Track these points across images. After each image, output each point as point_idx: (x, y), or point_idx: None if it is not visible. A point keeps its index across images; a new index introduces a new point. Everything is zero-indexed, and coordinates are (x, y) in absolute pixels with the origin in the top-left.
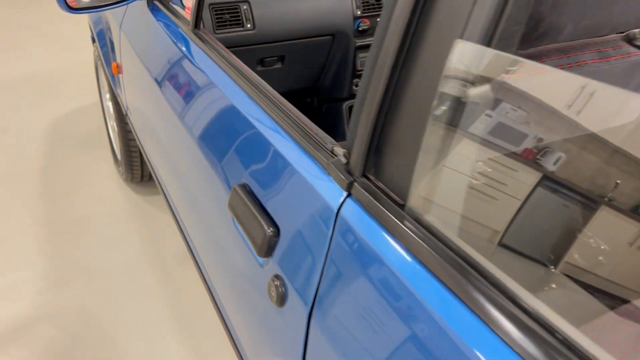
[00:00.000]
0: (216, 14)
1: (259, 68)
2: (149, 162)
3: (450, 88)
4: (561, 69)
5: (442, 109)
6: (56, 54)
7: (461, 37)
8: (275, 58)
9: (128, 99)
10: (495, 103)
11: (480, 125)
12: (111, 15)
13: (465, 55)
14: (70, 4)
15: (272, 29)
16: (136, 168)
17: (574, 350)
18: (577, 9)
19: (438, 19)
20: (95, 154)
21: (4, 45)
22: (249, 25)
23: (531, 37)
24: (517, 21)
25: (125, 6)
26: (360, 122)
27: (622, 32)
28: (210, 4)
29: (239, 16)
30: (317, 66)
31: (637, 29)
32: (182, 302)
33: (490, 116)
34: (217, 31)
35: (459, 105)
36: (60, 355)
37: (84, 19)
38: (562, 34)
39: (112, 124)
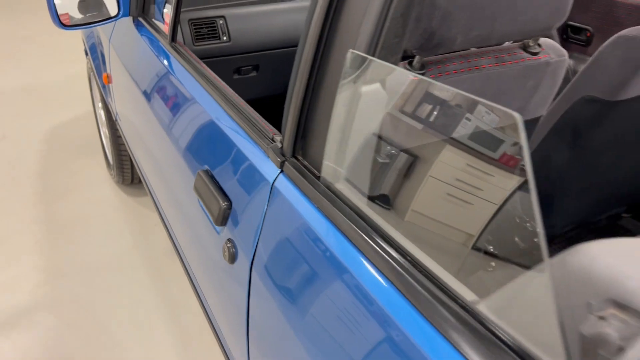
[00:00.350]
0: (195, 28)
1: (236, 76)
2: (137, 163)
3: (345, 87)
4: (462, 72)
5: (341, 103)
6: (53, 66)
7: (353, 47)
8: (250, 67)
9: (117, 106)
10: (375, 97)
11: (366, 113)
12: (102, 30)
13: (355, 62)
14: (64, 22)
15: (246, 41)
16: (127, 171)
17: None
18: (463, 24)
19: (339, 35)
20: (90, 159)
21: (4, 56)
22: (224, 38)
23: (429, 47)
24: (395, 34)
25: (114, 22)
26: (290, 115)
27: (509, 42)
28: (190, 20)
29: (215, 30)
30: (290, 74)
31: (523, 38)
32: (169, 291)
33: (372, 106)
34: (196, 44)
35: (352, 100)
36: (58, 340)
37: (78, 33)
38: (455, 44)
39: (105, 130)
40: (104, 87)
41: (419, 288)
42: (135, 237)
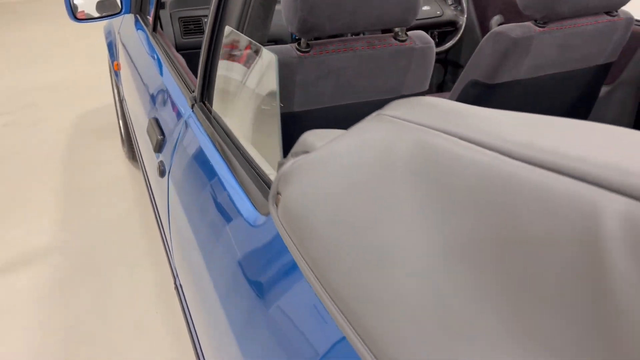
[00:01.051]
0: (184, 25)
1: None
2: (134, 138)
3: (223, 53)
4: (339, 51)
5: (222, 62)
6: (84, 65)
7: (230, 25)
8: None
9: (123, 88)
10: (240, 58)
11: (230, 72)
12: (115, 27)
13: (229, 35)
14: (79, 17)
15: None
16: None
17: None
18: (328, 14)
19: (225, 16)
20: (109, 140)
21: (42, 57)
22: None
23: (305, 31)
24: (258, 16)
25: (122, 19)
26: (199, 72)
27: (374, 31)
28: (180, 17)
29: (201, 26)
30: None
31: (384, 28)
32: (159, 244)
33: (234, 67)
34: (184, 37)
35: (228, 58)
36: (66, 275)
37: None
38: (325, 29)
39: (119, 113)
40: (116, 74)
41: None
42: (137, 201)
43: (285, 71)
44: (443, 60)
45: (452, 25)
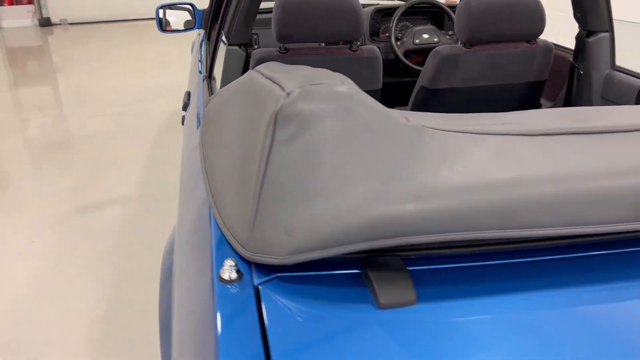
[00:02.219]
0: None
1: None
2: None
3: (220, 47)
4: (306, 55)
5: (219, 52)
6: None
7: (224, 31)
8: None
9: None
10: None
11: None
12: (196, 34)
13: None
14: (166, 29)
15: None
16: None
17: None
18: (294, 27)
19: (223, 26)
20: None
21: (158, 67)
22: (256, 47)
23: (280, 38)
24: (242, 26)
25: (198, 32)
26: (209, 59)
27: (333, 42)
28: None
29: (251, 41)
30: None
31: (338, 41)
32: None
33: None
34: None
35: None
36: (138, 213)
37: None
38: (294, 38)
39: None
40: None
41: None
42: None
43: None
44: None
45: None
